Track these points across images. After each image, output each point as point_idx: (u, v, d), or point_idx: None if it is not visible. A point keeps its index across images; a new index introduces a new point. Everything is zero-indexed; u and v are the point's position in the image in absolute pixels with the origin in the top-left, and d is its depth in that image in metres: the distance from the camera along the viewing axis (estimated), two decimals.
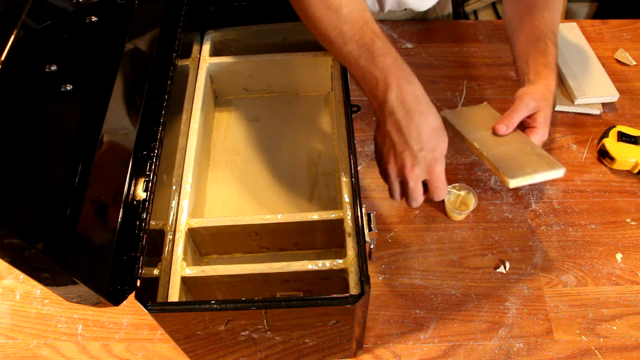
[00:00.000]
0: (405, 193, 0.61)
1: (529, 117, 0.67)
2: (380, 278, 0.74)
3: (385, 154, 0.60)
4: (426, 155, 0.57)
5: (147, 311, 0.52)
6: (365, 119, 0.91)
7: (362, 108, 0.92)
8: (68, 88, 0.56)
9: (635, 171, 0.83)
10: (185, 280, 0.60)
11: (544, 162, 0.64)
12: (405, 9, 1.04)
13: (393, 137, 0.58)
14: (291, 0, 0.61)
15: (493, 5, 1.54)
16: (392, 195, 0.62)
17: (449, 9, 1.12)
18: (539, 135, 0.67)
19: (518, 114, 0.67)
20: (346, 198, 0.65)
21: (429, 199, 0.61)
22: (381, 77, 0.57)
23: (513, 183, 0.62)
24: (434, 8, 1.07)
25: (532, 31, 0.73)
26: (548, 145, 0.87)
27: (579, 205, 0.81)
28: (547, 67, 0.69)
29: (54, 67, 0.55)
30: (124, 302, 0.52)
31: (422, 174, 0.58)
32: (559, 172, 0.63)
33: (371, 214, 0.59)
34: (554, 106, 0.69)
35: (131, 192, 0.58)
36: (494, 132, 0.67)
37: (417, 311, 0.71)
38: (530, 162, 0.64)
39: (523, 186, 0.82)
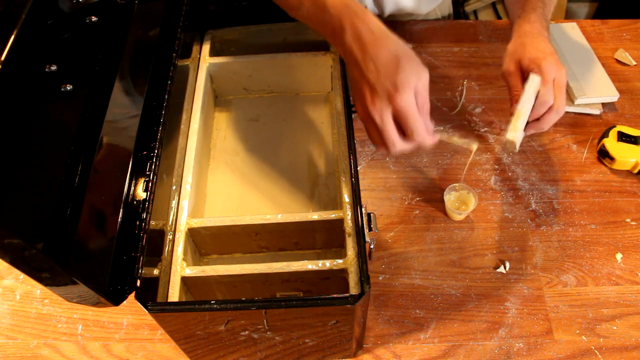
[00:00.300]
0: (379, 135, 0.56)
1: (524, 72, 0.69)
2: (380, 278, 0.74)
3: (353, 98, 0.58)
4: (385, 84, 0.53)
5: (147, 311, 0.52)
6: None
7: None
8: (68, 88, 0.56)
9: (635, 171, 0.83)
10: (185, 280, 0.60)
11: (522, 94, 0.67)
12: (405, 13, 1.04)
13: (354, 76, 0.56)
14: None
15: (493, 5, 1.53)
16: (372, 142, 0.59)
17: (449, 9, 1.12)
18: (536, 72, 0.66)
19: (513, 85, 0.69)
20: (346, 198, 0.65)
21: (413, 146, 0.56)
22: (336, 22, 0.56)
23: (510, 136, 0.65)
24: (434, 10, 1.07)
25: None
26: (548, 146, 0.87)
27: (579, 205, 0.81)
28: (525, 19, 0.71)
29: (54, 67, 0.55)
30: (124, 302, 0.52)
31: (385, 106, 0.54)
32: (534, 82, 0.65)
33: (371, 214, 0.59)
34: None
35: (131, 192, 0.58)
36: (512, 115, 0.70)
37: (417, 311, 0.71)
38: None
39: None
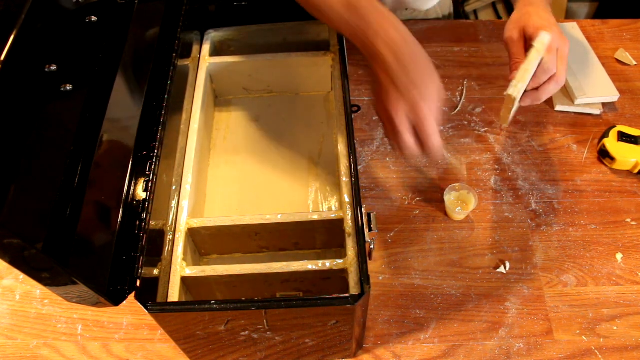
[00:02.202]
0: (396, 136, 0.60)
1: (527, 41, 0.69)
2: (380, 278, 0.74)
3: (376, 98, 0.60)
4: (412, 92, 0.56)
5: (147, 311, 0.52)
6: (365, 119, 0.91)
7: (362, 108, 0.92)
8: (68, 88, 0.56)
9: (636, 171, 0.83)
10: (185, 280, 0.60)
11: (530, 51, 0.66)
12: (407, 9, 1.03)
13: (381, 79, 0.58)
14: None
15: (493, 5, 1.53)
16: (388, 139, 0.63)
17: (449, 8, 1.12)
18: (539, 36, 0.66)
19: (515, 52, 0.69)
20: (346, 198, 0.65)
21: (423, 152, 0.60)
22: (369, 29, 0.58)
23: (511, 90, 0.64)
24: (434, 8, 1.07)
25: None
26: (548, 146, 0.87)
27: (579, 205, 0.81)
28: None
29: (54, 67, 0.55)
30: (124, 302, 0.52)
31: (407, 111, 0.57)
32: (546, 39, 0.64)
33: (371, 214, 0.59)
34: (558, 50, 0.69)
35: (131, 192, 0.58)
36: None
37: (417, 311, 0.71)
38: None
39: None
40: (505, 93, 0.64)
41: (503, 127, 0.89)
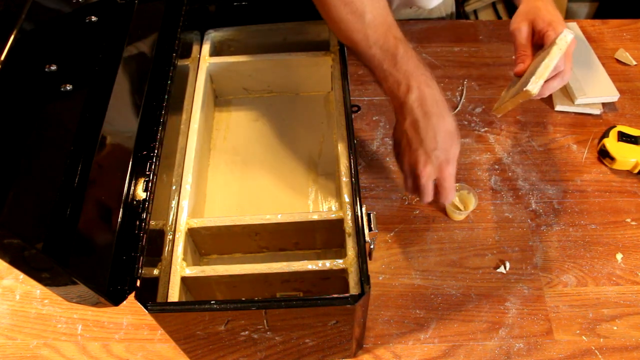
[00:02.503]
0: (417, 188, 0.63)
1: (535, 34, 0.69)
2: (380, 278, 0.74)
3: (401, 151, 0.63)
4: (439, 155, 0.59)
5: (147, 311, 0.52)
6: (365, 119, 0.91)
7: (362, 108, 0.92)
8: (68, 88, 0.56)
9: (636, 171, 0.83)
10: (185, 280, 0.60)
11: (552, 48, 0.64)
12: (411, 7, 1.03)
13: (410, 136, 0.60)
14: (315, 2, 0.63)
15: (493, 5, 1.53)
16: (405, 188, 0.65)
17: (452, 7, 1.12)
18: (551, 34, 0.67)
19: (522, 44, 0.69)
20: (346, 198, 0.64)
21: (435, 201, 0.64)
22: (403, 80, 0.60)
23: (531, 86, 0.62)
24: (438, 7, 1.07)
25: None
26: (548, 146, 0.87)
27: (579, 205, 0.81)
28: None
29: (54, 67, 0.55)
30: (124, 302, 0.52)
31: (433, 173, 0.60)
32: (568, 37, 0.64)
33: (371, 214, 0.59)
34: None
35: (131, 192, 0.58)
36: (517, 75, 0.69)
37: (417, 311, 0.71)
38: (542, 61, 0.64)
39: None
40: (524, 88, 0.63)
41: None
